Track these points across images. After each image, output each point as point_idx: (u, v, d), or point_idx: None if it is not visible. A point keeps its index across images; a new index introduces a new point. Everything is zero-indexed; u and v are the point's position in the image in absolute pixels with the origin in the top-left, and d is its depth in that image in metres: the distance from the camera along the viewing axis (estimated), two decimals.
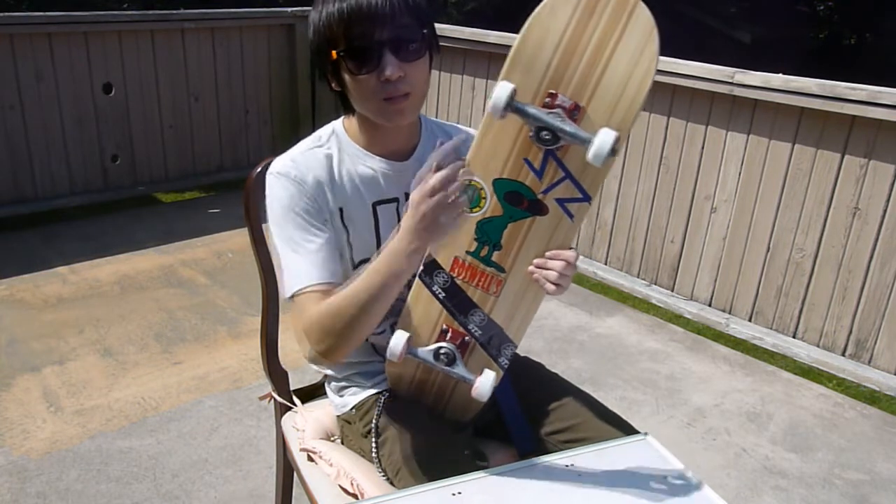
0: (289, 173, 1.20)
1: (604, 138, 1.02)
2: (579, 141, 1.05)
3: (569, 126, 1.07)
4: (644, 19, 1.05)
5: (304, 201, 1.19)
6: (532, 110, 1.07)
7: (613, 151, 1.03)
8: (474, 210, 1.17)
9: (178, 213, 4.14)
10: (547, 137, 1.08)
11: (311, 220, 1.20)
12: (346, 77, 1.16)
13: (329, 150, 1.24)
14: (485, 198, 1.16)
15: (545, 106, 1.09)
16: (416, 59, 1.15)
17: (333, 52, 1.13)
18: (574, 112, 1.08)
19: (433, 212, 1.03)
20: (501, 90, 1.05)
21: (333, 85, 1.20)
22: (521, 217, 1.15)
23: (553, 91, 1.09)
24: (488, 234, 1.17)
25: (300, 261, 1.18)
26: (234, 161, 4.54)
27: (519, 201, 1.15)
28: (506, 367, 1.23)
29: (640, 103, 1.07)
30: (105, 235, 3.71)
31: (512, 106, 1.06)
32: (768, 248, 2.90)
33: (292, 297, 1.18)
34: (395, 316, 1.22)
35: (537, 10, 1.07)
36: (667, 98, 3.07)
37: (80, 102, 3.88)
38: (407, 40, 1.13)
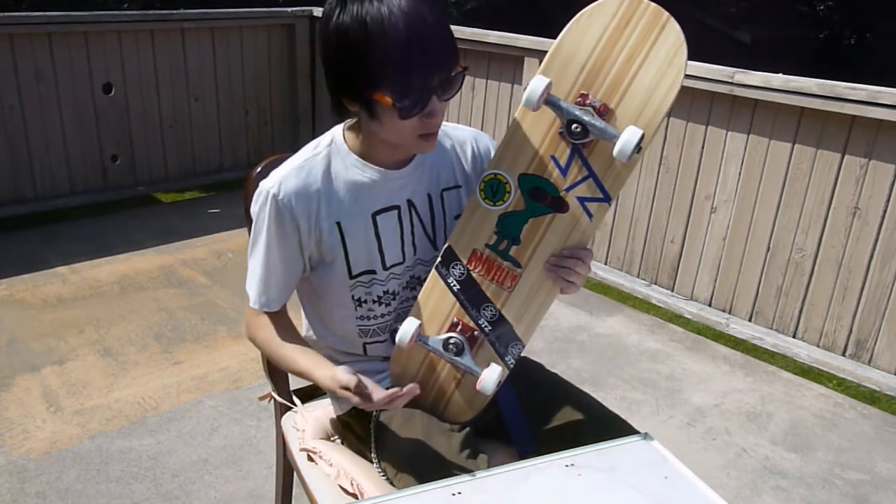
0: (277, 195, 1.18)
1: (630, 134, 1.08)
2: (608, 136, 1.11)
3: (598, 122, 1.12)
4: (675, 33, 1.11)
5: (278, 226, 1.20)
6: (564, 104, 1.13)
7: (639, 148, 1.08)
8: (498, 203, 1.20)
9: (178, 213, 4.14)
10: (577, 131, 1.13)
11: (281, 244, 1.22)
12: (384, 115, 1.11)
13: (326, 162, 1.22)
14: (509, 192, 1.19)
15: (576, 104, 1.15)
16: (453, 96, 1.14)
17: (379, 97, 1.08)
18: (603, 113, 1.14)
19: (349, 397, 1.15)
20: (537, 83, 1.10)
21: (353, 107, 1.15)
22: (542, 213, 1.19)
23: (585, 92, 1.15)
24: (508, 228, 1.20)
25: (256, 275, 1.29)
26: (234, 161, 4.54)
27: (542, 197, 1.18)
28: (512, 366, 1.23)
29: (665, 110, 1.12)
30: (105, 235, 3.71)
31: (546, 99, 1.12)
32: (768, 247, 2.90)
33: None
34: (398, 323, 1.23)
35: (577, 16, 1.14)
36: None
37: (80, 102, 3.88)
38: (454, 84, 1.12)
